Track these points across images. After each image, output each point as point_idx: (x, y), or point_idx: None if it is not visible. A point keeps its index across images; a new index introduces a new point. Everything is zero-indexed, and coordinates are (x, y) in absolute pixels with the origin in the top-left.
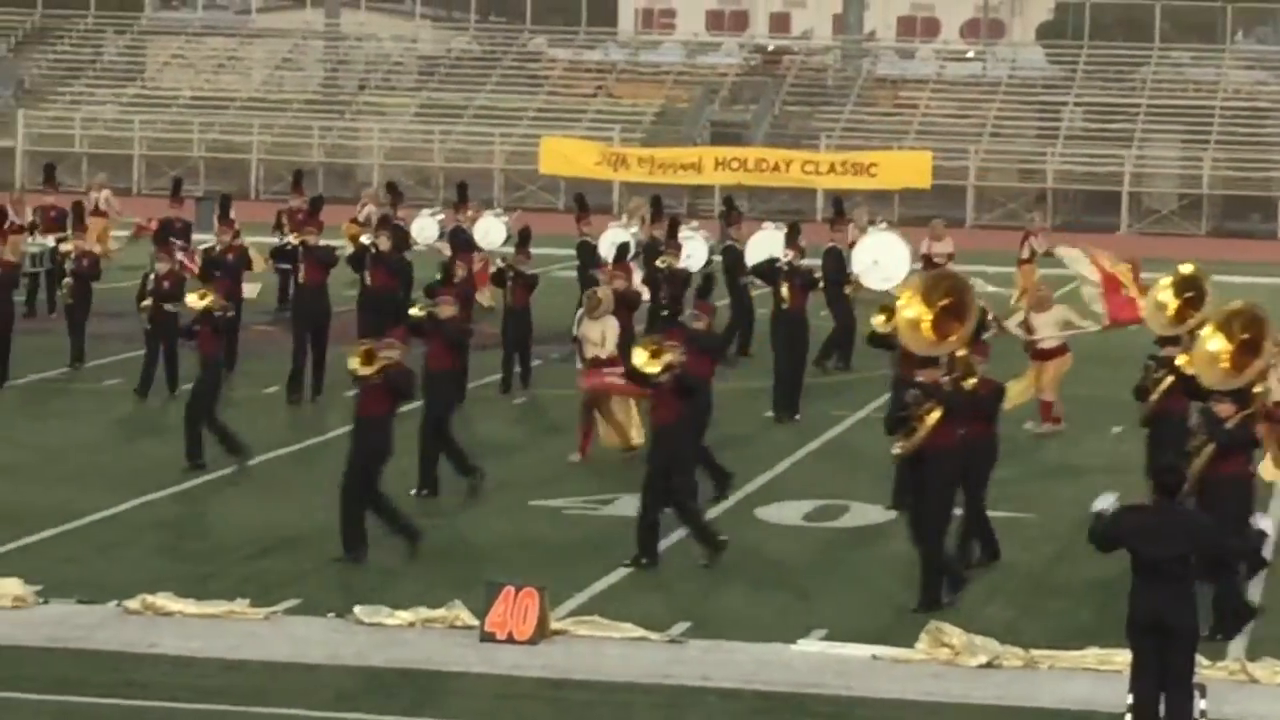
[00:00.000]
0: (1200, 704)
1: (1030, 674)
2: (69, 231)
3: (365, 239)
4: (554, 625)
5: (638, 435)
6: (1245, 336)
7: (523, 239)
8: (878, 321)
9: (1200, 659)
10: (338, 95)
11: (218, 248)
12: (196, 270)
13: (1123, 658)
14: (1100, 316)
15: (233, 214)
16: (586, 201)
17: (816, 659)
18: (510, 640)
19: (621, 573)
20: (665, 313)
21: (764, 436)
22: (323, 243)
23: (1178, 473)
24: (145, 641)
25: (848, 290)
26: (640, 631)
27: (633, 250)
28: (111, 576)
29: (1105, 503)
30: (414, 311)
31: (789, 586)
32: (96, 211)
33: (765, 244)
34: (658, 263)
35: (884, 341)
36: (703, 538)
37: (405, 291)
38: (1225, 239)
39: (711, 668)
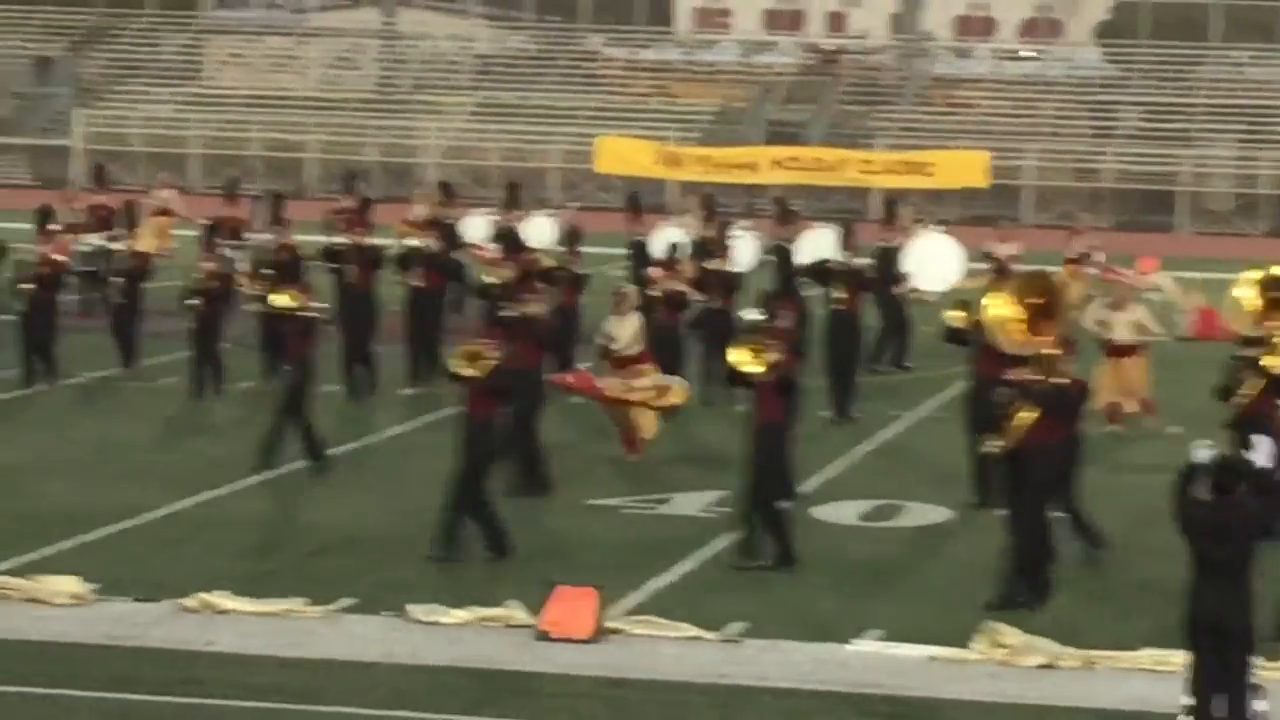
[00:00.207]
0: (1259, 705)
1: (1087, 674)
2: (119, 230)
3: (414, 241)
4: (610, 624)
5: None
6: None
7: (572, 238)
8: (954, 317)
9: (1260, 659)
10: (394, 94)
11: (270, 247)
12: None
13: (1179, 659)
14: (1176, 327)
15: (285, 213)
16: (639, 201)
17: (872, 659)
18: (566, 639)
19: (678, 572)
20: (715, 313)
21: (821, 436)
22: (372, 242)
23: (1236, 471)
24: (202, 639)
25: (899, 290)
26: (696, 631)
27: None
28: (168, 574)
29: (1203, 455)
30: (506, 312)
31: (845, 586)
32: (162, 210)
33: (815, 243)
34: (707, 264)
35: (959, 337)
36: (782, 544)
37: (457, 292)
38: None
39: (767, 667)
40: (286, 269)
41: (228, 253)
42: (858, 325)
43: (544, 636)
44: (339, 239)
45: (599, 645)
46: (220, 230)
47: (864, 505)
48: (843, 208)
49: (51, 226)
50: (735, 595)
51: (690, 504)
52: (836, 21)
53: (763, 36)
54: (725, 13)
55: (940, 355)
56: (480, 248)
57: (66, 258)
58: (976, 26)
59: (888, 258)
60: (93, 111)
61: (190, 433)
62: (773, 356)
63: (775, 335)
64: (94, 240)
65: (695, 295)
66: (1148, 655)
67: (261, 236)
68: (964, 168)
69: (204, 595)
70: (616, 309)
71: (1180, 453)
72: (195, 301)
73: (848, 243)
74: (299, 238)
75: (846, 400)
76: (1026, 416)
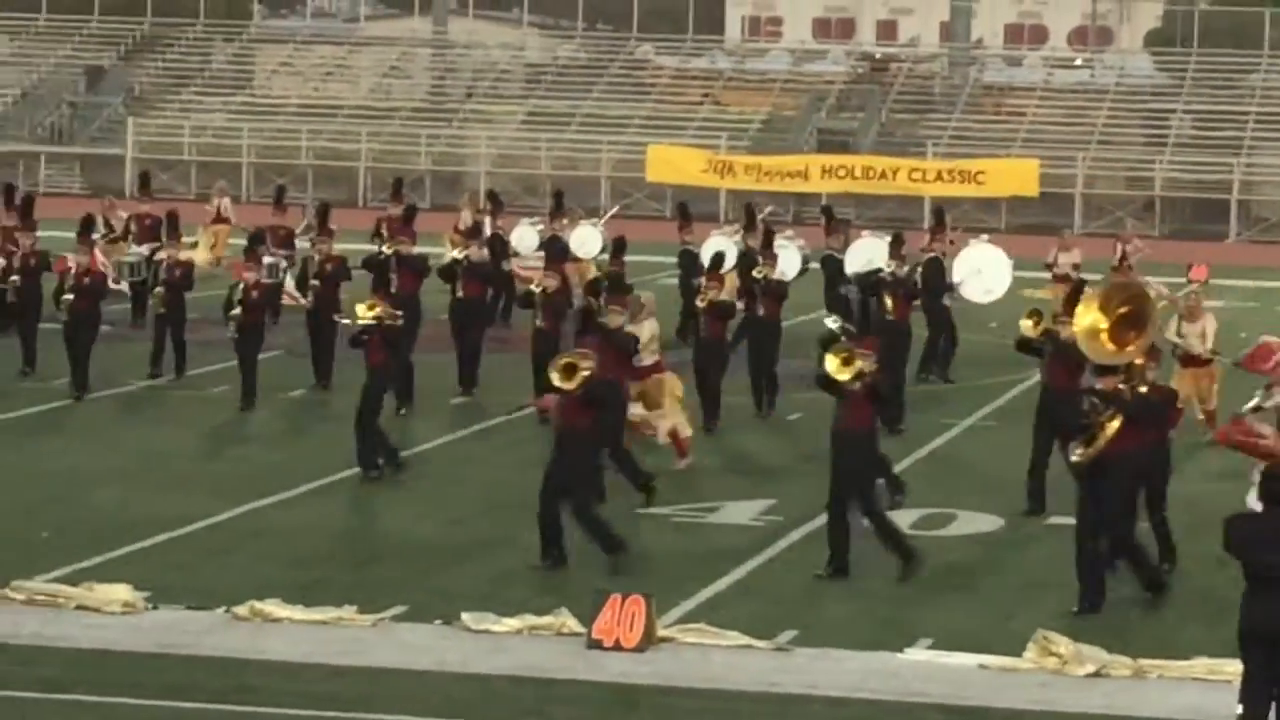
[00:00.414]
0: None
1: (1138, 683)
2: (164, 240)
3: (456, 253)
4: (661, 633)
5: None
6: None
7: (618, 248)
8: (1026, 326)
9: None
10: (445, 103)
11: (316, 257)
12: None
13: (1233, 668)
14: (1234, 352)
15: (333, 223)
16: (689, 210)
17: (923, 667)
18: (617, 647)
19: (728, 580)
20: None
21: None
22: (416, 251)
23: None
24: (253, 648)
25: (947, 301)
26: (747, 639)
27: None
28: (220, 583)
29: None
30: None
31: (896, 595)
32: (219, 218)
33: (864, 252)
34: (754, 273)
35: (1031, 347)
36: (898, 548)
37: (505, 302)
38: None
39: (818, 675)
40: (331, 281)
41: (267, 259)
42: (908, 336)
43: (595, 645)
44: (384, 248)
45: (650, 654)
46: (267, 239)
47: (915, 514)
48: (893, 216)
49: (93, 236)
50: (786, 603)
51: (740, 512)
52: (887, 30)
53: (813, 45)
54: (776, 21)
55: (987, 364)
56: (520, 269)
57: (107, 269)
58: (1027, 34)
59: (934, 268)
60: (144, 120)
61: (242, 441)
62: (861, 365)
63: (865, 344)
64: (140, 250)
65: (738, 305)
66: (1201, 664)
67: (303, 246)
68: (1014, 176)
69: (256, 603)
70: (633, 316)
71: (1235, 461)
72: (236, 312)
73: (895, 252)
74: (348, 246)
75: (898, 410)
76: (1114, 425)
